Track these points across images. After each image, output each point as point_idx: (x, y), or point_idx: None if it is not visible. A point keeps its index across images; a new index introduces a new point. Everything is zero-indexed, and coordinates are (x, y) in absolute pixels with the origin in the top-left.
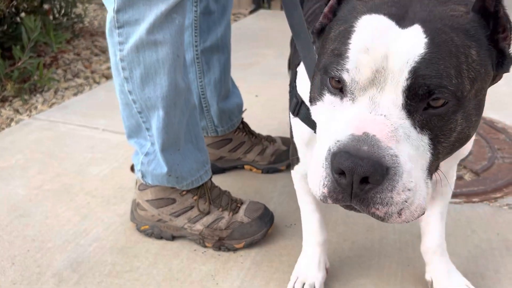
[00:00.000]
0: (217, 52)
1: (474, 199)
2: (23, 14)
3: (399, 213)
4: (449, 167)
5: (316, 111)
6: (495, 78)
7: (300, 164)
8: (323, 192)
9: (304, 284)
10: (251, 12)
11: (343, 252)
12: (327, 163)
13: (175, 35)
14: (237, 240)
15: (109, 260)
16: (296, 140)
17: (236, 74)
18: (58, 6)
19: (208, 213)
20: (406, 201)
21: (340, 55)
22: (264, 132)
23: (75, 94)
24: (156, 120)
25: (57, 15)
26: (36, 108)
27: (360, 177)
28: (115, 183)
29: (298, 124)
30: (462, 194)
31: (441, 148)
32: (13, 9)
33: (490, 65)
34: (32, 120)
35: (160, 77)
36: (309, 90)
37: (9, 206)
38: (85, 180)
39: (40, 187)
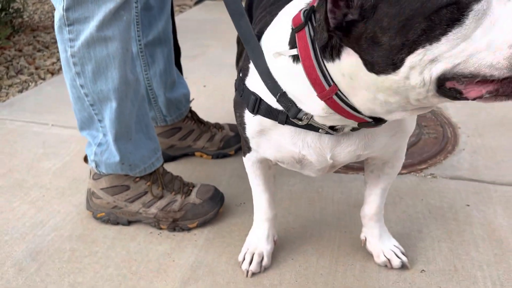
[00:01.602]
0: (159, 45)
1: (402, 171)
2: None
3: None
4: (398, 147)
5: (445, 46)
6: None
7: (252, 152)
8: None
9: (253, 254)
10: (196, 3)
11: (288, 224)
12: None
13: (124, 31)
14: (191, 220)
15: (68, 247)
16: (250, 134)
17: (183, 65)
18: None
19: (161, 197)
20: None
21: None
22: (212, 120)
23: (20, 91)
24: (109, 111)
25: None
26: None
27: None
28: (68, 175)
29: (255, 120)
30: None
31: None
32: None
33: None
34: None
35: (111, 70)
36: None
37: None
38: (38, 175)
39: None
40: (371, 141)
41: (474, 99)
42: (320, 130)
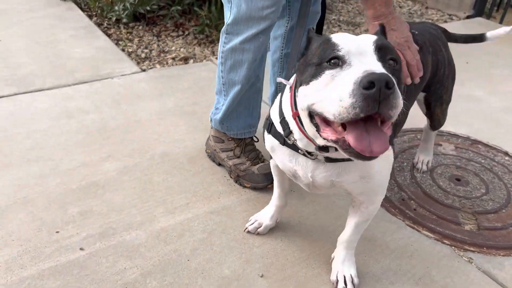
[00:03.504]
0: None
1: (471, 248)
2: None
3: (395, 115)
4: (369, 191)
5: (310, 89)
6: None
7: (272, 159)
8: (355, 112)
9: (255, 222)
10: (468, 17)
11: (295, 226)
12: (354, 89)
13: (257, 48)
14: (247, 181)
15: (182, 159)
16: (267, 148)
17: None
18: None
19: (238, 157)
20: (399, 107)
21: (328, 48)
22: None
23: None
24: (232, 92)
25: None
26: None
27: (384, 82)
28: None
29: (269, 140)
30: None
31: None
32: None
33: None
34: None
35: (241, 69)
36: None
37: None
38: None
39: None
40: (343, 173)
41: (327, 140)
42: (299, 151)
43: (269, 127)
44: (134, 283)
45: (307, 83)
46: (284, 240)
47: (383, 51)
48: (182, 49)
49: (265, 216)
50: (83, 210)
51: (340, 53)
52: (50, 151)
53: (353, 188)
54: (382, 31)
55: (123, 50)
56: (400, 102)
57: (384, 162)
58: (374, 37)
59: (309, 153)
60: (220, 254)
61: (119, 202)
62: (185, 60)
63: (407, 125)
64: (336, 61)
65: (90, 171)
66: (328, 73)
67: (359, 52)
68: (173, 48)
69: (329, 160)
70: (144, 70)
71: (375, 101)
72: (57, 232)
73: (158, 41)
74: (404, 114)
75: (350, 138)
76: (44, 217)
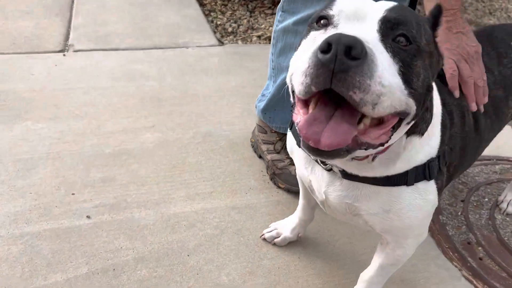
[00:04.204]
0: None
1: None
2: None
3: (373, 106)
4: (395, 229)
5: (294, 57)
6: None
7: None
8: (306, 82)
9: (274, 231)
10: None
11: (320, 245)
12: (313, 52)
13: None
14: (282, 181)
15: (228, 143)
16: (288, 147)
17: None
18: None
19: (278, 153)
20: (380, 96)
21: (326, 6)
22: None
23: None
24: (279, 79)
25: None
26: None
27: (344, 46)
28: None
29: (289, 135)
30: None
31: (414, 85)
32: None
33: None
34: None
35: (291, 54)
36: None
37: None
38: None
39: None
40: (361, 198)
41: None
42: (312, 157)
43: (292, 122)
44: (123, 266)
45: (296, 48)
46: (302, 258)
47: (392, 23)
48: (270, 28)
49: (286, 226)
50: (106, 176)
51: (330, 12)
52: (99, 110)
53: (374, 222)
54: (437, 13)
55: (212, 21)
56: (378, 88)
57: (419, 198)
58: (391, 4)
59: (322, 161)
60: (224, 257)
61: (143, 176)
62: (270, 40)
63: (504, 152)
64: (325, 21)
65: (129, 138)
66: (311, 35)
67: (356, 16)
68: (263, 26)
69: (346, 175)
70: (222, 44)
71: (329, 71)
72: (73, 194)
73: (250, 17)
74: (463, 135)
75: (302, 120)
76: (67, 176)
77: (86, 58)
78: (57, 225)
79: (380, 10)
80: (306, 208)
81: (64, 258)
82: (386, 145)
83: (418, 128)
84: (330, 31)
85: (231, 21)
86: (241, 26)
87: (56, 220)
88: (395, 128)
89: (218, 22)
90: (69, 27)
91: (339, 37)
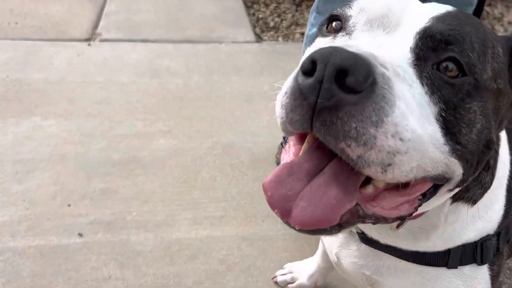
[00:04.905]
0: None
1: None
2: None
3: (384, 168)
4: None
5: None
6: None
7: None
8: (281, 117)
9: (288, 274)
10: None
11: None
12: (294, 75)
13: None
14: None
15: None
16: None
17: None
18: None
19: None
20: (394, 154)
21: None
22: None
23: None
24: None
25: None
26: None
27: (334, 68)
28: None
29: None
30: None
31: (461, 139)
32: None
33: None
34: None
35: None
36: None
37: None
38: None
39: None
40: (385, 271)
41: None
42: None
43: None
44: None
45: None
46: None
47: (437, 39)
48: None
49: (303, 271)
50: (107, 187)
51: (348, 12)
52: (114, 109)
53: None
54: None
55: (253, 14)
56: (391, 142)
57: (463, 286)
58: (443, 10)
59: None
60: None
61: (148, 191)
62: None
63: None
64: (338, 24)
65: (140, 143)
66: (316, 44)
67: (383, 21)
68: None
69: (364, 239)
70: (260, 41)
71: (308, 105)
72: (69, 205)
73: (296, 11)
74: None
75: (270, 174)
76: (66, 183)
77: (112, 49)
78: (44, 241)
79: (423, 16)
80: (325, 255)
81: (44, 284)
82: (414, 213)
83: (470, 193)
84: (339, 41)
85: (275, 14)
86: (284, 21)
87: (44, 235)
88: (426, 195)
89: (260, 16)
90: (100, 13)
91: (330, 52)
